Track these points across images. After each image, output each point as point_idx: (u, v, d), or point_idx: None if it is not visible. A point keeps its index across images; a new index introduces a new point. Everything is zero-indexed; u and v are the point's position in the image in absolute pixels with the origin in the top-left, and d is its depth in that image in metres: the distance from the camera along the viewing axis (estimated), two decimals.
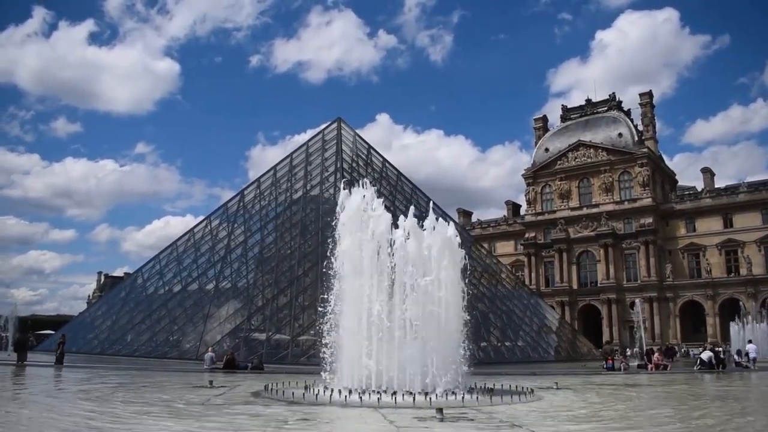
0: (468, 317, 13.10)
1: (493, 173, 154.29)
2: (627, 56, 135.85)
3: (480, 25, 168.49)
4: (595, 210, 65.31)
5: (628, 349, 43.51)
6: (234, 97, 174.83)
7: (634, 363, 31.89)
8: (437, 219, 13.42)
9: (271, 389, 11.83)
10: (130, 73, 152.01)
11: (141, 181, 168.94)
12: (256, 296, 33.70)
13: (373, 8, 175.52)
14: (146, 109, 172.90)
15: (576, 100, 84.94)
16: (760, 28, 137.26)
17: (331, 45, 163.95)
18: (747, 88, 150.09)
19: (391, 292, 12.34)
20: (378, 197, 13.42)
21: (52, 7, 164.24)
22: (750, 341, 31.68)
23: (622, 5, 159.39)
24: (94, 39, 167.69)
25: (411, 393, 10.77)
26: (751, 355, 28.30)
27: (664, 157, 74.68)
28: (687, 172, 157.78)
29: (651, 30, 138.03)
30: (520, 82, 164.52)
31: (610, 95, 73.39)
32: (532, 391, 12.17)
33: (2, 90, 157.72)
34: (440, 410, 8.44)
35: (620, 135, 67.25)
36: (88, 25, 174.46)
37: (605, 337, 57.06)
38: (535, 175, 70.96)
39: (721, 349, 31.09)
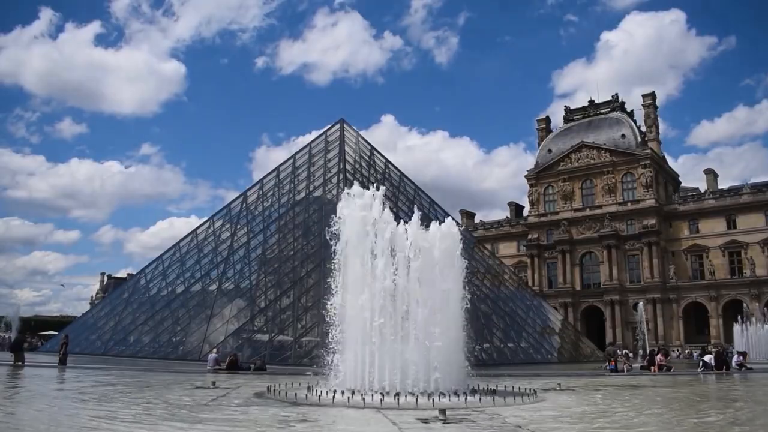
0: (470, 318, 13.07)
1: (497, 174, 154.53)
2: (633, 57, 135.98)
3: (486, 27, 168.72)
4: (597, 211, 65.22)
5: (620, 351, 43.24)
6: (239, 98, 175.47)
7: (637, 364, 31.79)
8: (439, 219, 13.41)
9: (274, 390, 11.83)
10: (136, 74, 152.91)
11: (145, 182, 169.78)
12: (259, 297, 33.76)
13: (379, 10, 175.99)
14: (152, 110, 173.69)
15: (581, 101, 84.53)
16: (765, 30, 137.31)
17: (337, 46, 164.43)
18: (752, 89, 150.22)
19: (394, 292, 12.31)
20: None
21: (59, 9, 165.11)
22: (745, 352, 31.77)
23: (628, 6, 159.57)
24: (100, 40, 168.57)
25: (413, 394, 10.74)
26: (735, 361, 28.56)
27: (669, 159, 74.68)
28: (692, 173, 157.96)
29: (657, 31, 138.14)
30: (526, 84, 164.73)
31: (613, 96, 73.39)
32: (535, 392, 12.13)
33: (8, 91, 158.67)
34: (443, 411, 8.43)
35: (623, 136, 67.18)
36: (95, 27, 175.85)
37: (608, 339, 56.92)
38: (538, 176, 70.90)
39: (719, 350, 31.08)
